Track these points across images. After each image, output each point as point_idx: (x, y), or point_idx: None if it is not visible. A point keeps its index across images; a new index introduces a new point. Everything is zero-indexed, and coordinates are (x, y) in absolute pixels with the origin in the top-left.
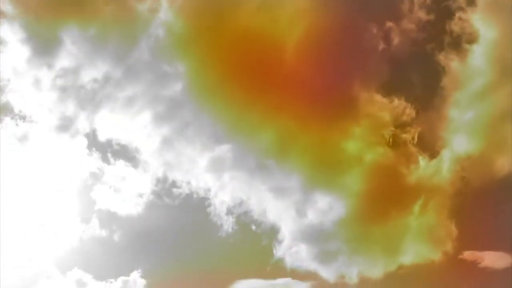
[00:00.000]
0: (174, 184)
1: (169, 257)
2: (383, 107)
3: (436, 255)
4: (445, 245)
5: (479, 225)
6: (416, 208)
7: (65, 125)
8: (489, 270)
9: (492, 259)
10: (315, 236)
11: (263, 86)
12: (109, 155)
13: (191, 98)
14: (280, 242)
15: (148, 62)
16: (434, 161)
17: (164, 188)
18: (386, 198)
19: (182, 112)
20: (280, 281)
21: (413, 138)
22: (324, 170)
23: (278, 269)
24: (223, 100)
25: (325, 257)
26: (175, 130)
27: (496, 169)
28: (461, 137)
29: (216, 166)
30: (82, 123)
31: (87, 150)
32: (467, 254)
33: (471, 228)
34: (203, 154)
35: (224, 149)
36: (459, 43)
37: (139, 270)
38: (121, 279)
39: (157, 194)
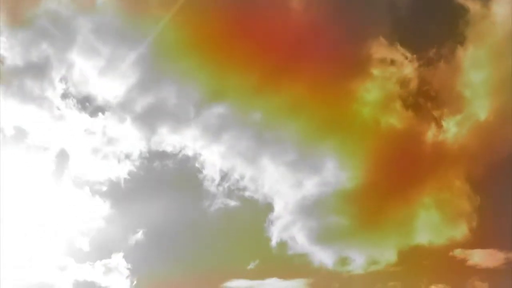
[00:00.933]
0: (163, 149)
1: (157, 240)
2: (397, 62)
3: (459, 233)
4: (470, 220)
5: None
6: (434, 177)
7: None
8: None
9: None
10: (315, 211)
11: (264, 42)
12: (88, 110)
13: (185, 55)
14: (275, 217)
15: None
16: (450, 125)
17: (150, 151)
18: (400, 165)
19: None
20: (268, 281)
21: (429, 95)
22: (331, 135)
23: (270, 252)
24: (219, 59)
25: (325, 236)
26: (167, 91)
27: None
28: (477, 99)
29: (212, 131)
30: (58, 68)
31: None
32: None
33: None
34: (197, 118)
35: (219, 113)
36: None
37: (122, 252)
38: (103, 262)
39: (144, 160)
